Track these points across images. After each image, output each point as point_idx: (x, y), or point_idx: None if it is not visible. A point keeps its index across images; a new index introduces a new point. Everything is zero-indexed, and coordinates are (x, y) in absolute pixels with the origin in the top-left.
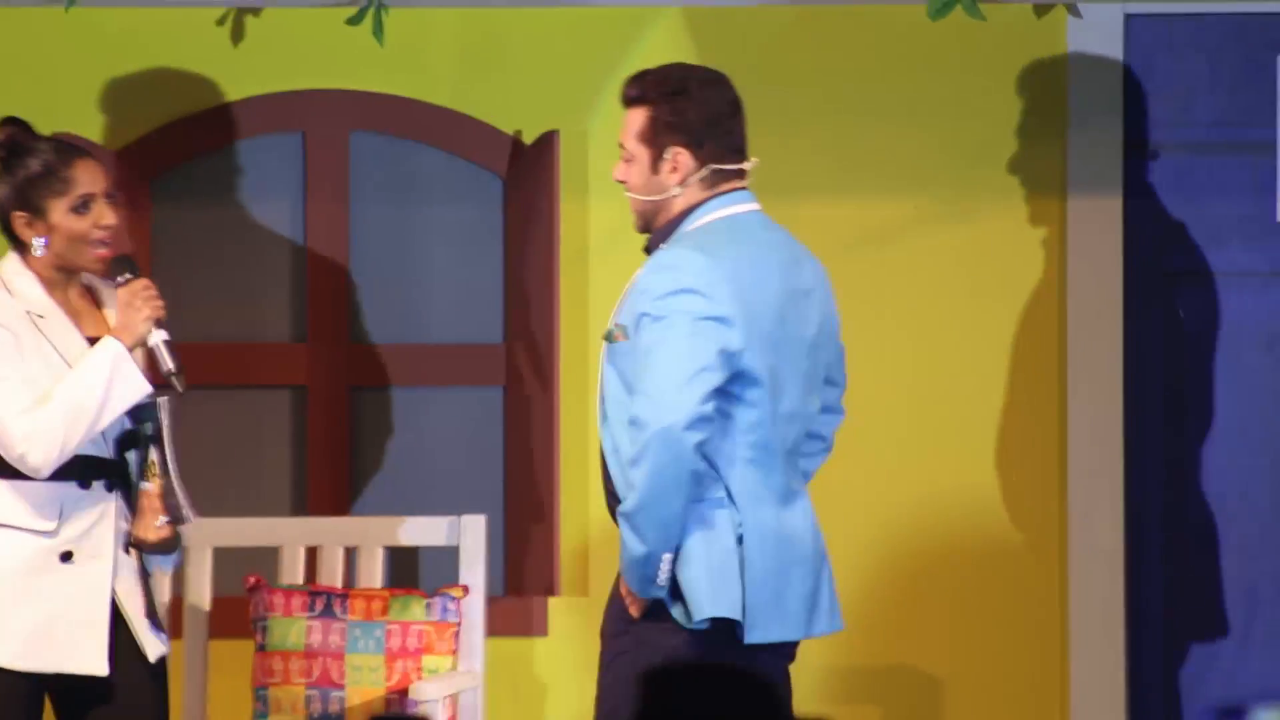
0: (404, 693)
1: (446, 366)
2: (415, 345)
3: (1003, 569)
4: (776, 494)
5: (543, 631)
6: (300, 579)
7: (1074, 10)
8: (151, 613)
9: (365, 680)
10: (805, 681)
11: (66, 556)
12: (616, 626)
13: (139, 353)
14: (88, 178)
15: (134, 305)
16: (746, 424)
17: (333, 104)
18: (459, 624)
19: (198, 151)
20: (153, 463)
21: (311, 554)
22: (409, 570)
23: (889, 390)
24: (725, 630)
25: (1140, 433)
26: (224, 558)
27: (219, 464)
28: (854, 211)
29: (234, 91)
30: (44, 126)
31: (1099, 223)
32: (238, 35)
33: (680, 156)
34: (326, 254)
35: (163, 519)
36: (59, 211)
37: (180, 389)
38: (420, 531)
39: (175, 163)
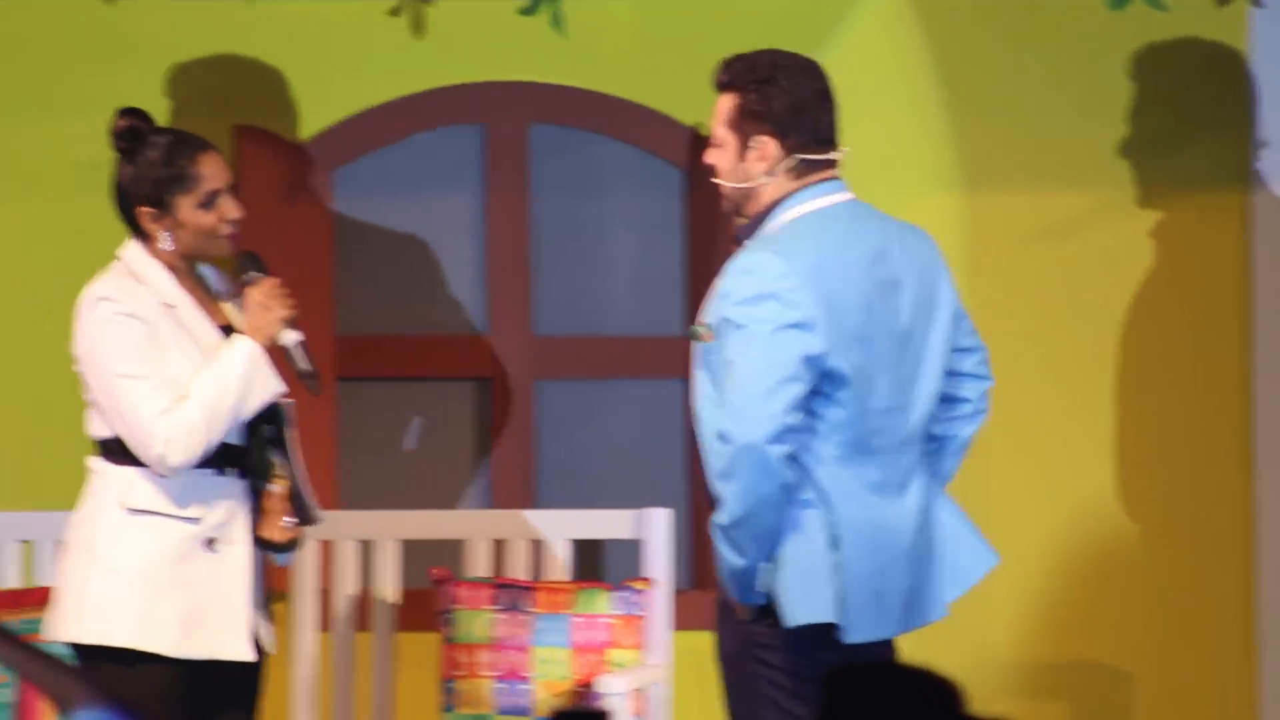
0: (590, 686)
1: (628, 359)
2: (597, 338)
3: (1191, 565)
4: (873, 490)
5: None
6: (486, 572)
7: (1256, 0)
8: (264, 604)
9: (552, 673)
10: (994, 677)
11: (210, 543)
12: (733, 646)
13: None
14: (212, 172)
15: (266, 306)
16: (835, 423)
17: (513, 96)
18: (644, 617)
19: (380, 143)
20: (278, 464)
21: (497, 547)
22: (594, 563)
23: (1070, 383)
24: (824, 630)
25: None
26: (411, 551)
27: (403, 457)
28: (1034, 203)
29: (415, 84)
30: (226, 119)
31: None
32: (418, 27)
33: (766, 145)
34: (507, 246)
35: (289, 520)
36: (186, 208)
37: (315, 391)
38: (605, 524)
39: (357, 155)
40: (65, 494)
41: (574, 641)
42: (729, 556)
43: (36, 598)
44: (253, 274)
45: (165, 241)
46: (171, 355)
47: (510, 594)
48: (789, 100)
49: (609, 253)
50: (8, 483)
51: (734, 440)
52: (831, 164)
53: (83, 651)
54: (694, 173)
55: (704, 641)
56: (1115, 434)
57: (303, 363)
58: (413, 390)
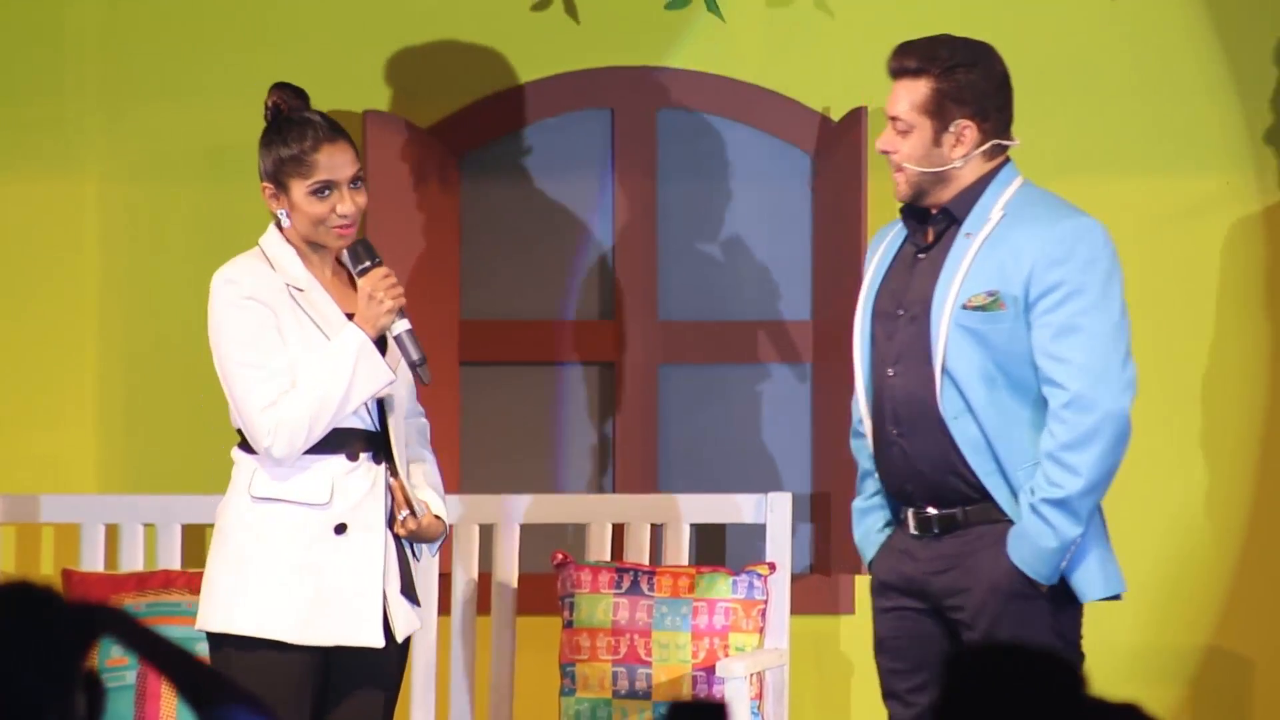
0: (710, 670)
1: (754, 343)
2: (723, 322)
3: None
4: None
5: (849, 609)
6: (607, 556)
7: None
8: (408, 589)
9: (672, 657)
10: (1115, 661)
11: (340, 529)
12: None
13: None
14: (332, 163)
15: (375, 296)
16: None
17: (640, 81)
18: (765, 601)
19: (506, 128)
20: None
21: (618, 531)
22: (715, 547)
23: (1194, 369)
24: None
25: None
26: (531, 534)
27: (527, 441)
28: (1164, 186)
29: (542, 69)
30: (354, 104)
31: None
32: (546, 12)
33: (967, 130)
34: (634, 231)
35: (405, 513)
36: (299, 192)
37: (425, 380)
38: (727, 509)
39: (484, 140)
40: (195, 479)
41: (694, 626)
42: (1066, 527)
43: (159, 581)
44: (365, 264)
45: (283, 220)
46: (291, 341)
47: (631, 578)
48: (990, 85)
49: (735, 238)
50: (137, 467)
51: (1098, 407)
52: (1006, 147)
53: (212, 639)
54: (821, 158)
55: (825, 626)
56: (1240, 418)
57: (413, 351)
58: (537, 374)
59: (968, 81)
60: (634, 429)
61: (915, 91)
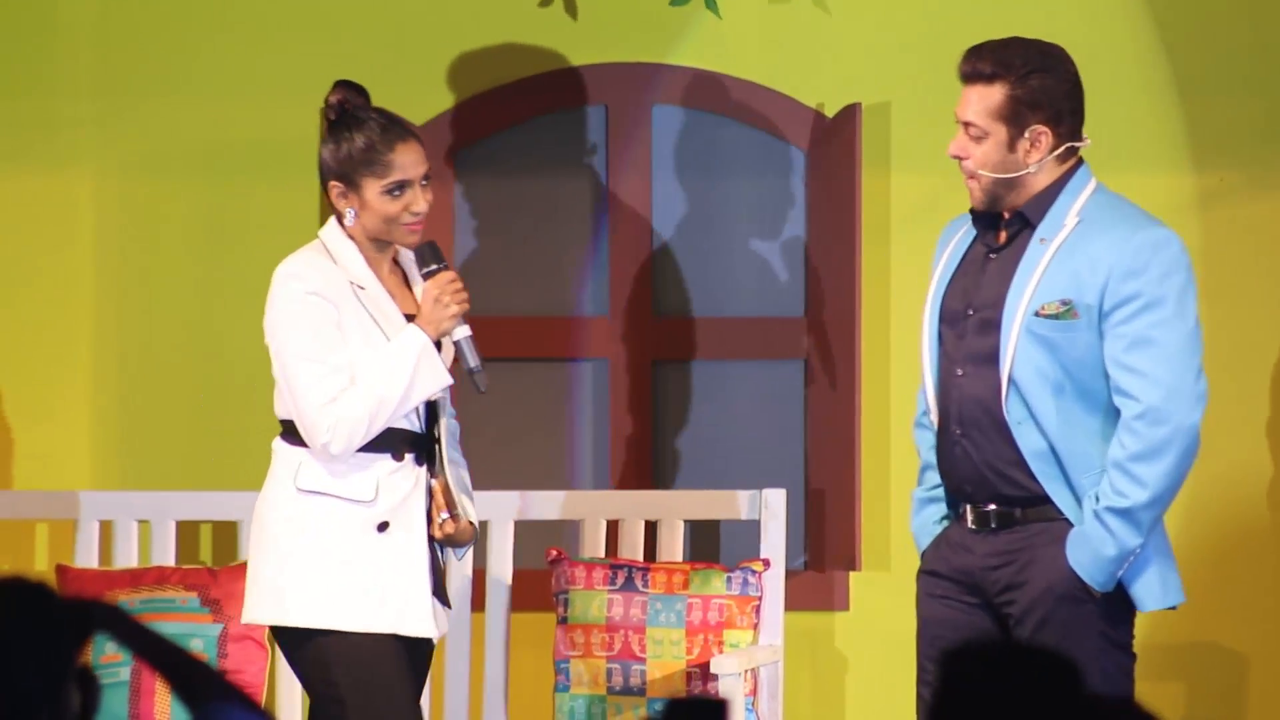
0: (704, 666)
1: (748, 340)
2: (717, 319)
3: None
4: None
5: (844, 606)
6: (602, 552)
7: None
8: (439, 591)
9: (666, 654)
10: None
11: (383, 527)
12: (1078, 624)
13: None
14: (406, 161)
15: (441, 301)
16: None
17: (635, 77)
18: (760, 598)
19: (501, 125)
20: (438, 460)
21: (613, 527)
22: (710, 544)
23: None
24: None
25: None
26: (525, 531)
27: (521, 437)
28: (1166, 182)
29: (537, 65)
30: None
31: None
32: (540, 8)
33: (1042, 135)
34: (628, 228)
35: (444, 515)
36: (372, 191)
37: (482, 388)
38: (721, 505)
39: (479, 136)
40: (189, 475)
41: (688, 622)
42: (1127, 536)
43: (153, 577)
44: (433, 267)
45: (349, 219)
46: (352, 338)
47: (625, 574)
48: (1064, 89)
49: (730, 234)
50: (131, 463)
51: (1170, 420)
52: (1078, 149)
53: (275, 631)
54: (815, 155)
55: (819, 623)
56: (1236, 416)
57: (471, 359)
58: (531, 371)
59: (1042, 86)
60: (628, 425)
61: (990, 97)
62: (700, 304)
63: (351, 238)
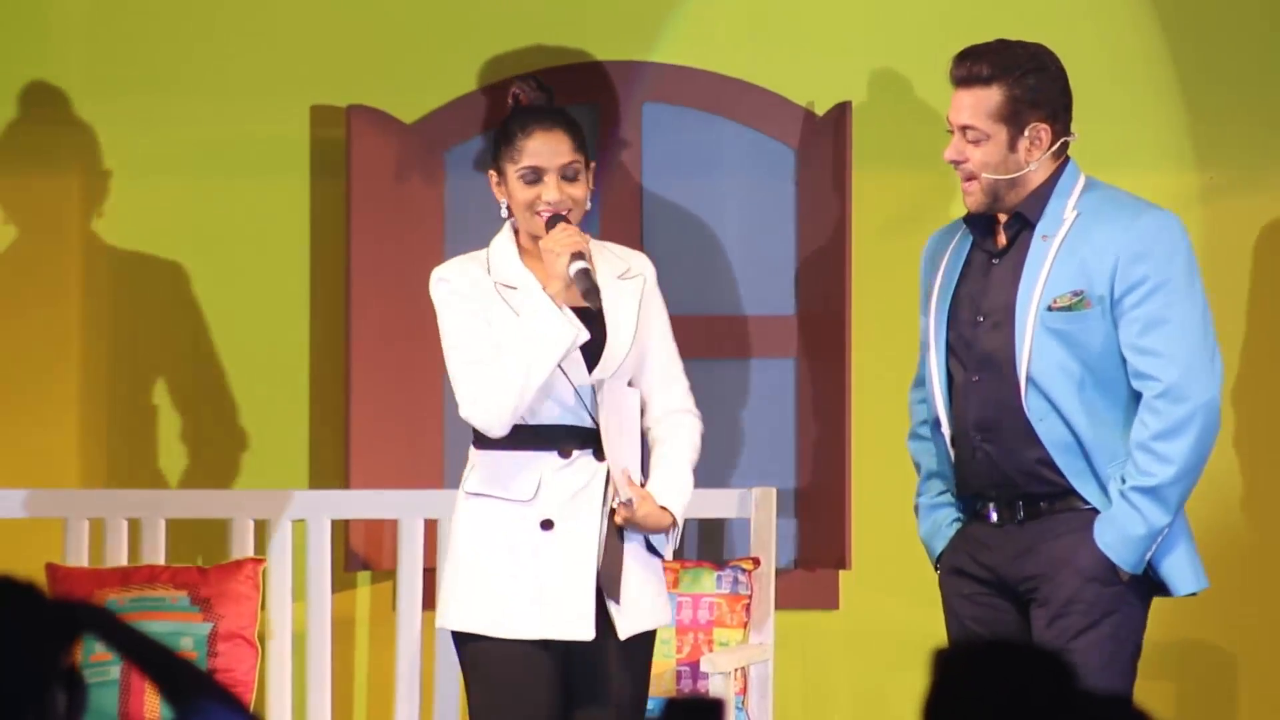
0: (695, 665)
1: (739, 338)
2: (708, 317)
3: None
4: None
5: (833, 605)
6: None
7: None
8: (609, 586)
9: (657, 652)
10: None
11: (547, 525)
12: (1105, 603)
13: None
14: (540, 149)
15: (553, 251)
16: None
17: (626, 76)
18: (750, 596)
19: (491, 124)
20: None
21: None
22: (700, 542)
23: None
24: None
25: None
26: None
27: None
28: (1147, 181)
29: (527, 64)
30: (338, 98)
31: None
32: (532, 6)
33: (1042, 132)
34: (620, 226)
35: (616, 500)
36: (511, 176)
37: (595, 308)
38: (712, 503)
39: (469, 135)
40: (179, 474)
41: (679, 620)
42: (1155, 515)
43: (143, 576)
44: (550, 229)
45: (504, 209)
46: (498, 331)
47: None
48: (1059, 86)
49: (720, 232)
50: (121, 462)
51: (1191, 398)
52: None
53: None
54: (806, 153)
55: (809, 621)
56: (1226, 413)
57: (582, 285)
58: None
59: (1038, 84)
60: None
61: (988, 99)
62: (691, 302)
63: (514, 239)
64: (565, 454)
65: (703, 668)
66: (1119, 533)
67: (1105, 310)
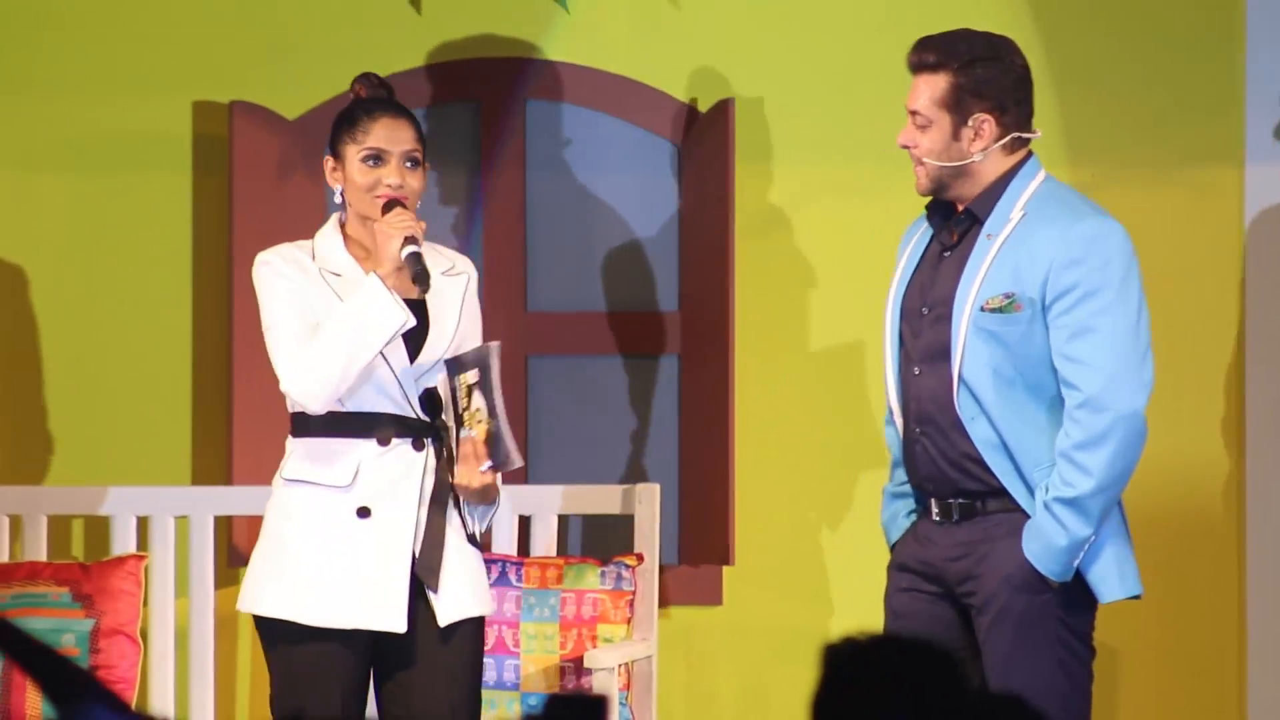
0: (578, 661)
1: (622, 334)
2: (591, 314)
3: (1181, 542)
4: None
5: (716, 600)
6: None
7: None
8: (428, 572)
9: (540, 648)
10: None
11: (363, 512)
12: (1031, 612)
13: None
14: (387, 134)
15: (384, 233)
16: None
17: (509, 73)
18: (634, 592)
19: None
20: (477, 409)
21: None
22: (584, 538)
23: None
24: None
25: None
26: None
27: None
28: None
29: (411, 60)
30: (220, 95)
31: (1276, 189)
32: (415, 3)
33: (985, 124)
34: (502, 223)
35: (486, 465)
36: (351, 159)
37: (422, 292)
38: (595, 500)
39: None
40: (62, 470)
41: (562, 617)
42: (1077, 526)
43: (25, 572)
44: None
45: (337, 195)
46: (322, 314)
47: (499, 568)
48: (1009, 79)
49: (603, 229)
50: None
51: (1112, 408)
52: (1028, 141)
53: (254, 620)
54: (688, 149)
55: (693, 617)
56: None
57: (413, 269)
58: None
59: (986, 75)
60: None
61: (934, 86)
62: (574, 299)
63: (341, 229)
64: (384, 441)
65: (586, 664)
66: (1043, 543)
67: (1036, 314)
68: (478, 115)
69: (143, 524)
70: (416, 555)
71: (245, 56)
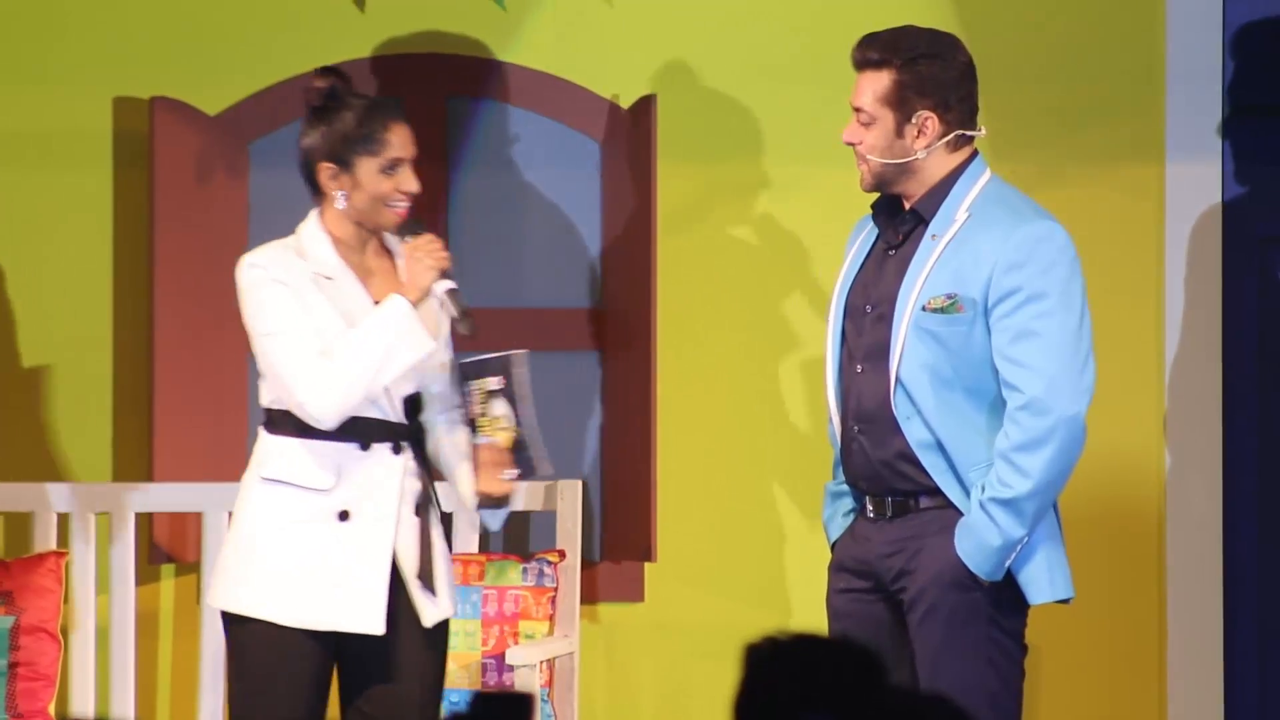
0: (500, 657)
1: (543, 331)
2: (512, 310)
3: (1101, 538)
4: None
5: (638, 597)
6: None
7: None
8: (425, 576)
9: (462, 645)
10: None
11: (344, 516)
12: (962, 611)
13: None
14: (400, 141)
15: (417, 259)
16: None
17: (429, 69)
18: (555, 589)
19: (296, 116)
20: (500, 416)
21: None
22: (506, 535)
23: None
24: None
25: (1237, 399)
26: None
27: None
28: (1105, 174)
29: (330, 56)
30: (141, 90)
31: (1197, 187)
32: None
33: (929, 121)
34: (425, 220)
35: (511, 473)
36: (367, 170)
37: (466, 331)
38: (517, 496)
39: (273, 128)
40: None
41: (484, 613)
42: (1011, 527)
43: None
44: (411, 234)
45: (339, 202)
46: (317, 319)
47: None
48: (951, 76)
49: (525, 226)
50: None
51: (1053, 411)
52: (973, 139)
53: (223, 616)
54: (610, 146)
55: (615, 613)
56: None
57: (453, 309)
58: None
59: (929, 73)
60: None
61: (878, 83)
62: (495, 295)
63: (326, 230)
64: (365, 446)
65: (508, 660)
66: (976, 542)
67: (978, 316)
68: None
69: (63, 520)
70: (395, 557)
71: (166, 51)
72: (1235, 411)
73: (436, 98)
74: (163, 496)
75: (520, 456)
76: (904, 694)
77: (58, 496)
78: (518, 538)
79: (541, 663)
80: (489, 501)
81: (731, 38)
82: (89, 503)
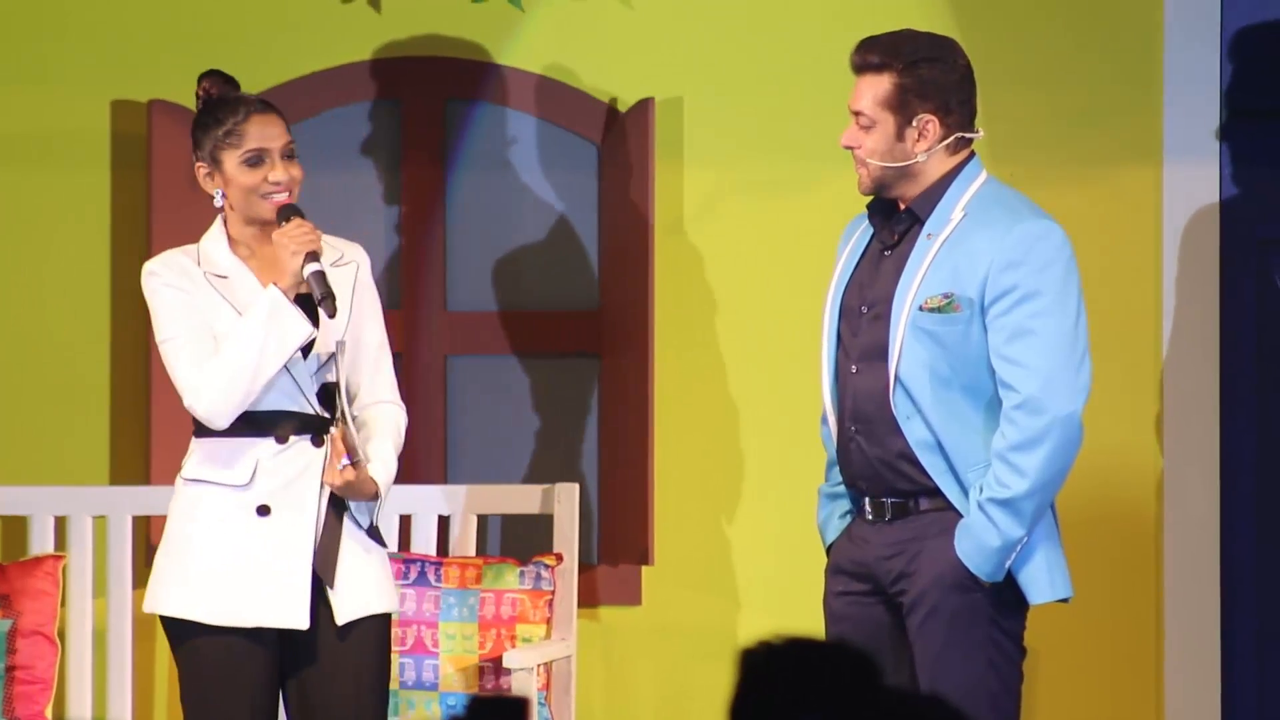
0: (497, 661)
1: (542, 334)
2: (511, 312)
3: (1098, 538)
4: None
5: (635, 600)
6: (395, 547)
7: None
8: (325, 569)
9: (458, 648)
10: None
11: (263, 510)
12: (964, 613)
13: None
14: (259, 132)
15: (283, 245)
16: None
17: (429, 72)
18: (552, 592)
19: (294, 118)
20: (339, 407)
21: (405, 521)
22: (503, 538)
23: None
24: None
25: (1235, 400)
26: None
27: None
28: (1099, 175)
29: (331, 58)
30: (140, 93)
31: (1195, 190)
32: (332, 4)
33: (929, 124)
34: (422, 222)
35: (343, 461)
36: (232, 165)
37: (330, 315)
38: (514, 499)
39: None
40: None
41: (481, 616)
42: (1010, 527)
43: None
44: (282, 223)
45: (218, 199)
46: (211, 320)
47: (418, 568)
48: (952, 79)
49: (523, 229)
50: None
51: (1049, 411)
52: (971, 140)
53: (160, 622)
54: (608, 149)
55: (612, 617)
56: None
57: (317, 291)
58: None
59: (930, 76)
60: (423, 419)
61: (878, 87)
62: (494, 298)
63: (224, 230)
64: (282, 439)
65: (505, 664)
66: (976, 543)
67: (975, 315)
68: (397, 114)
69: (60, 524)
70: (315, 552)
71: (164, 55)
72: (1233, 412)
73: (435, 100)
74: (160, 499)
75: (348, 444)
76: (900, 696)
77: (55, 500)
78: (515, 541)
79: (539, 666)
80: (344, 492)
81: (731, 40)
82: (86, 506)
